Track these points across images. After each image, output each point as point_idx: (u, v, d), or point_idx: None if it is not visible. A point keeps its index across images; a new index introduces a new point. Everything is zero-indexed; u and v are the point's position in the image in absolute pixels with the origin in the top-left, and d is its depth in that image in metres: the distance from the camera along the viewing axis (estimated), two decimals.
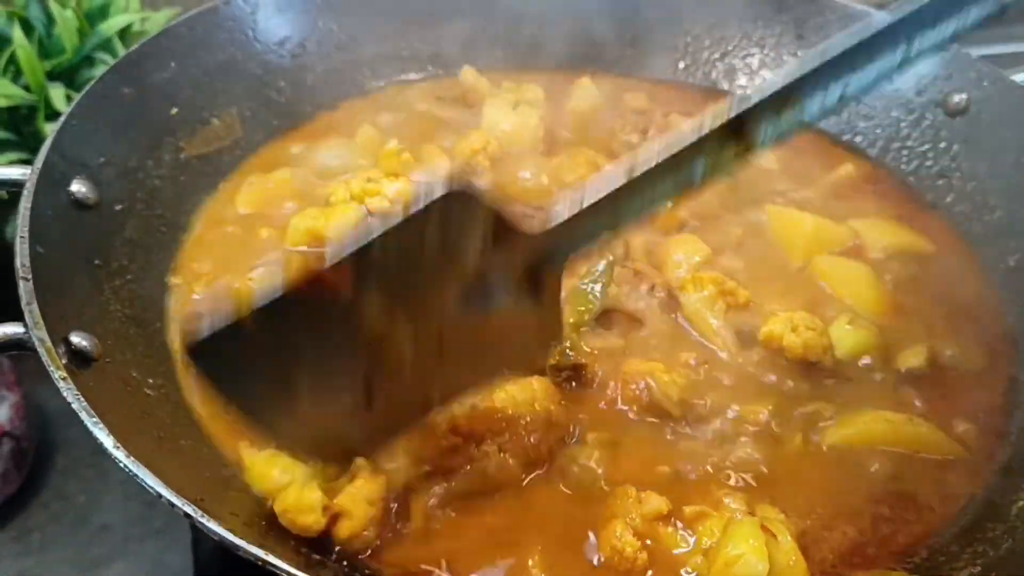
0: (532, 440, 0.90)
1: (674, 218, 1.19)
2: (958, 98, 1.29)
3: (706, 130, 0.75)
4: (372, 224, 0.73)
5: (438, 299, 0.78)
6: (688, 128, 0.75)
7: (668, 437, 0.94)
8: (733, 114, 0.75)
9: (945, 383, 1.03)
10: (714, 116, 0.76)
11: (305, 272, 0.72)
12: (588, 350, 1.01)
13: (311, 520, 0.80)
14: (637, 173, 0.76)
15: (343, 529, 0.81)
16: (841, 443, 0.95)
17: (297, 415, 0.79)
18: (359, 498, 0.82)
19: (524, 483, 0.89)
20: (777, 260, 1.17)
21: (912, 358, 1.04)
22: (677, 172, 0.76)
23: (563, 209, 0.77)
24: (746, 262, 1.15)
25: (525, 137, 1.32)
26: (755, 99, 0.76)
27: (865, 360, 1.04)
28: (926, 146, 1.33)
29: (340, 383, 0.78)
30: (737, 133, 0.76)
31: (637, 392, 0.96)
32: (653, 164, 0.76)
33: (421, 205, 0.72)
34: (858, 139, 1.39)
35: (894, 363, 1.04)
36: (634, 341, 1.03)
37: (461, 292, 0.78)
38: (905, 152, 1.35)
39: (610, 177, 0.76)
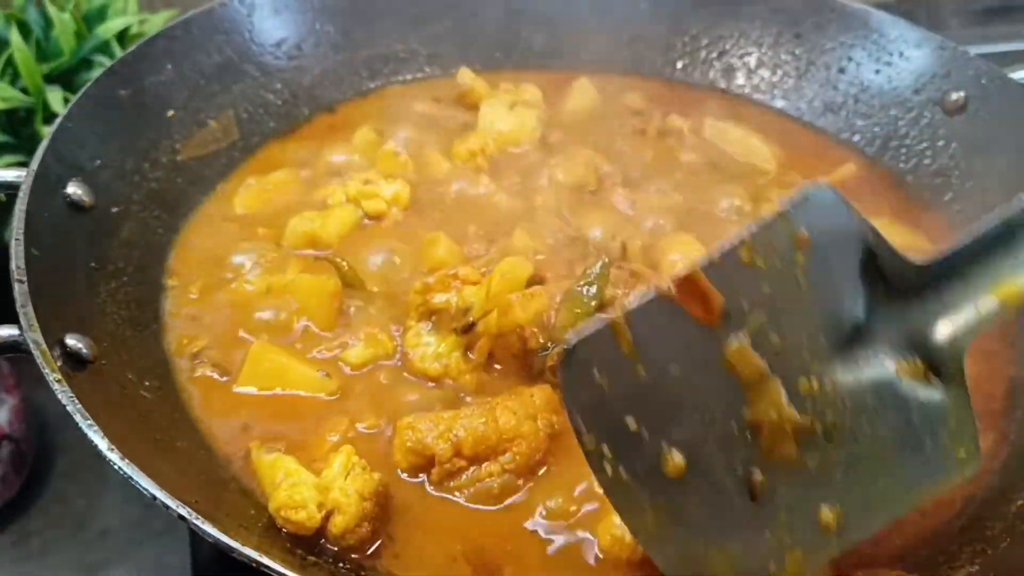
0: (537, 458, 0.90)
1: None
2: (956, 96, 1.29)
3: None
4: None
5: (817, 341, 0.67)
6: None
7: None
8: None
9: None
10: None
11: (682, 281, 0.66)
12: None
13: (304, 516, 0.79)
14: None
15: (336, 524, 0.81)
16: None
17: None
18: (351, 492, 0.82)
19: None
20: None
21: None
22: None
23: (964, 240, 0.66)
24: None
25: (522, 138, 1.32)
26: None
27: None
28: (924, 144, 1.32)
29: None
30: None
31: None
32: None
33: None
34: (856, 138, 1.39)
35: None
36: None
37: (843, 343, 0.67)
38: (903, 150, 1.34)
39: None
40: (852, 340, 0.68)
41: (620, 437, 0.70)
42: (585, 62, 1.49)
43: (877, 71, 1.39)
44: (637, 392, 0.69)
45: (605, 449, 0.71)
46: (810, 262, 0.67)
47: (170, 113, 1.22)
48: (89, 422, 0.73)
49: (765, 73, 1.48)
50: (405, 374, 0.99)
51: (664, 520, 0.71)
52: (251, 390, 0.97)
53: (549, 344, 0.97)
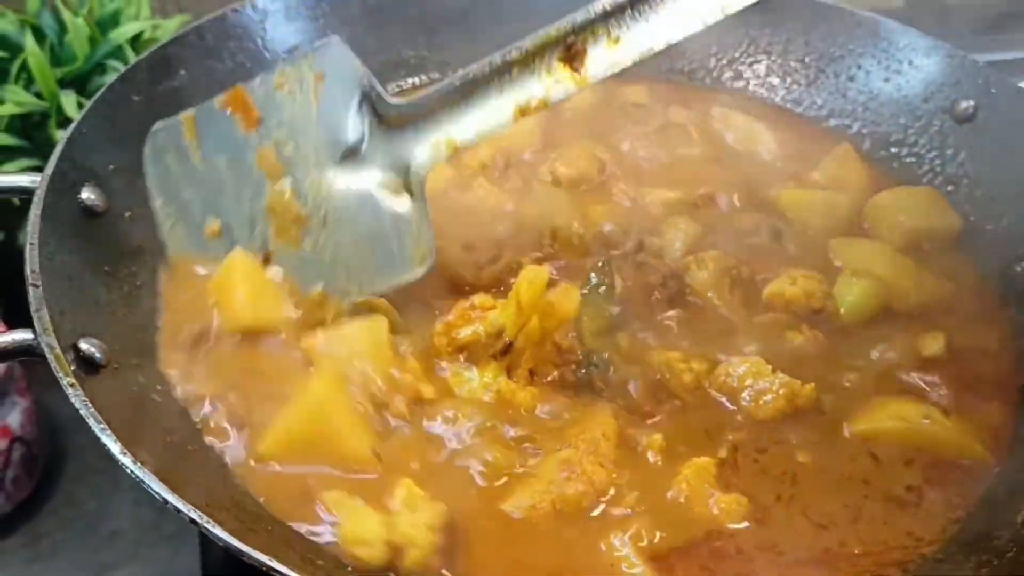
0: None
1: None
2: (965, 104, 1.29)
3: (539, 38, 0.89)
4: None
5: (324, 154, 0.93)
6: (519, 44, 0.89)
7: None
8: (561, 28, 0.88)
9: (952, 384, 1.03)
10: (547, 29, 0.89)
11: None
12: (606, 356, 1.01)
13: (369, 554, 0.78)
14: (472, 76, 0.89)
15: (409, 559, 0.79)
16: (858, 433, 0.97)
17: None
18: (420, 525, 0.80)
19: None
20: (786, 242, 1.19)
21: (932, 344, 1.05)
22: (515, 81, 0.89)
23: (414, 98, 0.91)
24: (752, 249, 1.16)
25: (522, 136, 1.32)
26: (581, 17, 0.88)
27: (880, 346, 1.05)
28: (933, 153, 1.32)
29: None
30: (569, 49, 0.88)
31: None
32: (486, 69, 0.89)
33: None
34: (866, 144, 1.39)
35: (911, 347, 1.05)
36: (653, 332, 1.05)
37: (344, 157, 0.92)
38: (912, 159, 1.34)
39: (448, 80, 0.90)
40: (350, 156, 0.93)
41: (180, 204, 0.99)
42: None
43: (886, 79, 1.38)
44: (193, 173, 0.97)
45: (171, 211, 1.00)
46: (321, 94, 0.93)
47: None
48: (102, 426, 0.73)
49: (774, 80, 1.48)
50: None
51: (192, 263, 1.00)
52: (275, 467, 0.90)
53: (592, 356, 0.98)
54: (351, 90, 0.92)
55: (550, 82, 0.89)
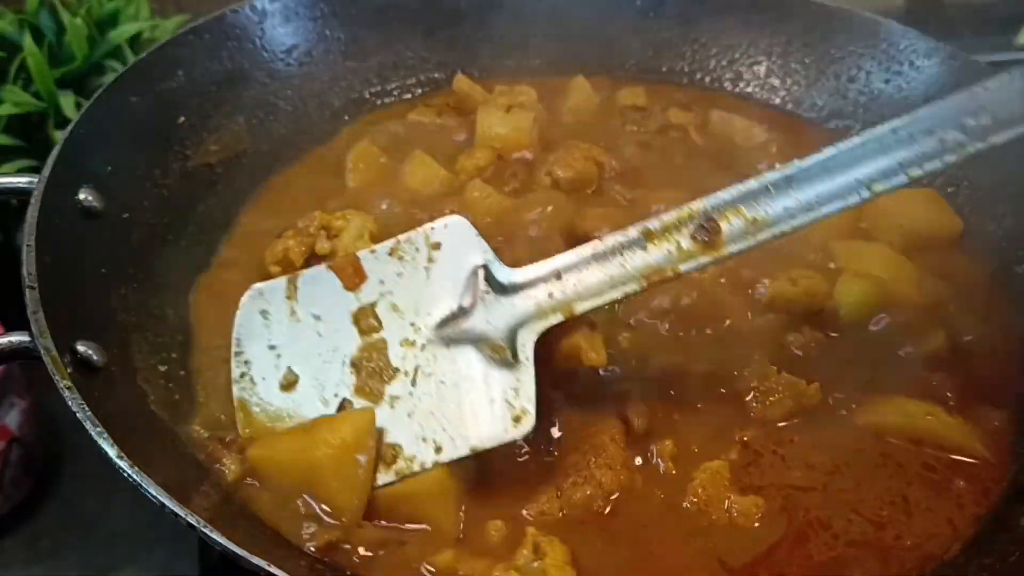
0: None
1: None
2: None
3: (671, 218, 0.87)
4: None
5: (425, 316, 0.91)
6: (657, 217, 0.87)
7: None
8: (699, 207, 0.87)
9: (953, 383, 1.02)
10: (679, 208, 0.87)
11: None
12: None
13: None
14: (603, 249, 0.87)
15: None
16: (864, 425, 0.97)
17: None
18: (561, 564, 0.82)
19: None
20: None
21: (933, 343, 1.05)
22: (645, 254, 0.87)
23: (537, 267, 0.89)
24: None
25: (520, 139, 1.32)
26: (720, 196, 0.87)
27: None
28: None
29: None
30: (704, 227, 0.86)
31: None
32: (619, 241, 0.87)
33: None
34: None
35: (912, 347, 1.05)
36: (656, 336, 1.05)
37: (447, 321, 0.90)
38: None
39: (579, 250, 0.88)
40: (453, 318, 0.90)
41: (259, 354, 0.94)
42: (592, 69, 1.49)
43: (887, 80, 1.38)
44: (283, 327, 0.94)
45: (247, 359, 0.95)
46: (435, 262, 0.92)
47: (181, 120, 1.22)
48: (99, 429, 0.73)
49: (774, 82, 1.47)
50: None
51: (264, 416, 0.93)
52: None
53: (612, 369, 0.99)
54: (467, 261, 0.90)
55: (681, 256, 0.86)
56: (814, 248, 1.16)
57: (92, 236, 1.01)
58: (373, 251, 0.94)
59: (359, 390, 0.91)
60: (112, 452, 0.72)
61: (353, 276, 0.93)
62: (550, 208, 1.21)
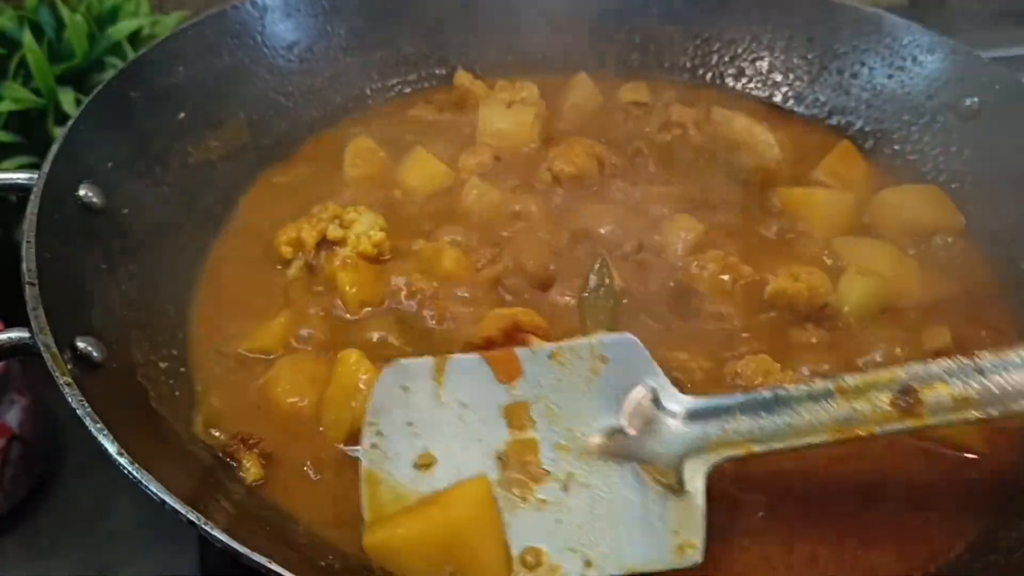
0: None
1: None
2: (970, 102, 1.28)
3: (869, 379, 0.81)
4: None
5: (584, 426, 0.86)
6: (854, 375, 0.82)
7: None
8: (901, 374, 0.81)
9: None
10: (878, 371, 0.83)
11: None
12: None
13: None
14: (788, 394, 0.82)
15: None
16: None
17: None
18: None
19: None
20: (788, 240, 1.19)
21: (937, 339, 1.04)
22: (837, 409, 0.81)
23: (713, 400, 0.85)
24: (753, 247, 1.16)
25: (521, 135, 1.32)
26: (926, 369, 0.81)
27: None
28: (937, 150, 1.31)
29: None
30: (905, 394, 0.81)
31: None
32: (807, 391, 0.82)
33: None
34: (869, 143, 1.38)
35: (916, 344, 1.05)
36: (657, 332, 1.04)
37: (607, 436, 0.86)
38: (916, 156, 1.33)
39: (763, 392, 0.83)
40: (618, 434, 0.85)
41: (395, 428, 0.87)
42: (594, 65, 1.49)
43: (890, 76, 1.38)
44: (426, 407, 0.87)
45: (380, 431, 0.87)
46: (600, 375, 0.87)
47: (181, 116, 1.21)
48: (99, 426, 0.73)
49: (777, 77, 1.47)
50: None
51: (392, 494, 0.85)
52: None
53: None
54: (634, 381, 0.86)
55: (877, 418, 0.81)
56: (817, 244, 1.16)
57: (92, 232, 1.01)
58: (533, 352, 0.90)
59: (503, 483, 0.85)
60: (112, 449, 0.72)
61: (509, 370, 0.89)
62: (551, 205, 1.21)
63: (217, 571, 1.06)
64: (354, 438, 0.90)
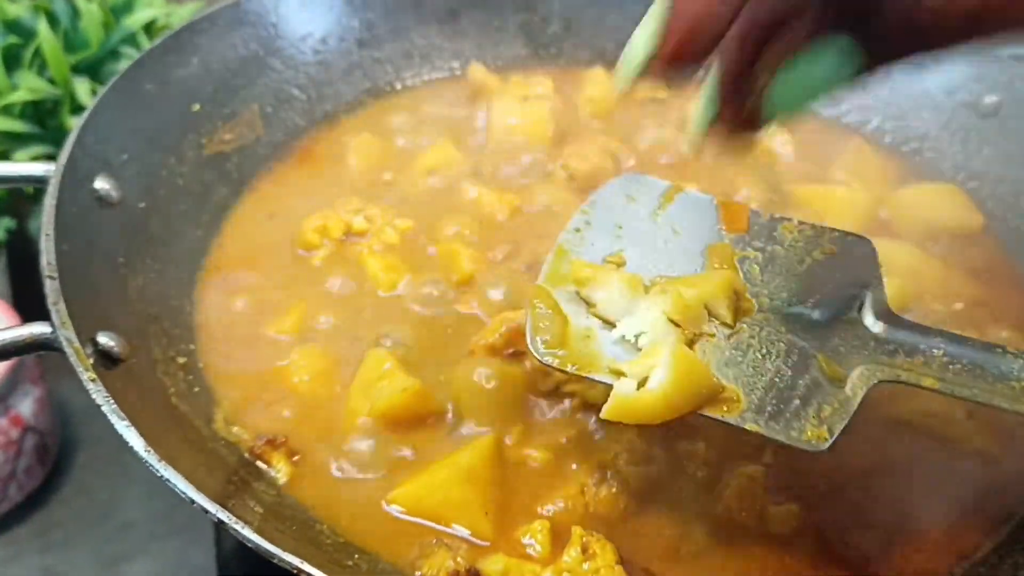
0: None
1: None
2: (989, 100, 1.28)
3: None
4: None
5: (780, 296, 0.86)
6: None
7: None
8: None
9: None
10: None
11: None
12: None
13: None
14: (997, 351, 0.79)
15: None
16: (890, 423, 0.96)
17: None
18: (611, 564, 0.80)
19: None
20: None
21: None
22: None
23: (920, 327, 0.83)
24: None
25: (535, 130, 1.31)
26: None
27: None
28: (956, 148, 1.31)
29: None
30: None
31: None
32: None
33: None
34: (887, 139, 1.37)
35: None
36: None
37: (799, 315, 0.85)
38: (934, 154, 1.33)
39: (972, 340, 0.81)
40: (803, 319, 0.85)
41: (602, 229, 0.91)
42: (610, 59, 1.48)
43: (908, 73, 1.37)
44: (638, 220, 0.91)
45: (587, 225, 0.92)
46: (820, 264, 0.88)
47: (195, 107, 1.21)
48: (125, 423, 0.72)
49: None
50: None
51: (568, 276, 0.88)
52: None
53: None
54: (855, 281, 0.86)
55: None
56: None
57: (109, 225, 1.01)
58: (771, 217, 0.92)
59: (679, 311, 0.84)
60: (139, 444, 0.71)
61: (736, 221, 0.91)
62: (566, 202, 1.20)
63: (233, 564, 1.06)
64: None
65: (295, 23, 1.35)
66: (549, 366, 0.82)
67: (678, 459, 0.91)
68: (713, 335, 0.84)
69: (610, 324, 0.85)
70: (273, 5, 1.32)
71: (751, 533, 0.86)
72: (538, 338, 0.83)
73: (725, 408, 0.79)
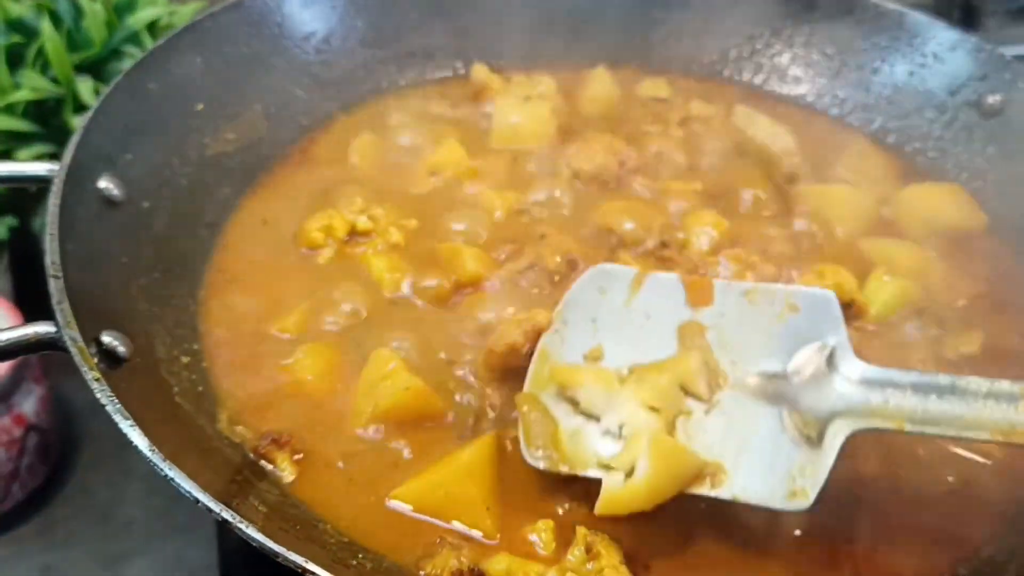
0: None
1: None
2: (993, 99, 1.27)
3: None
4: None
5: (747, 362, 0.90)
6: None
7: None
8: None
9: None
10: None
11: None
12: None
13: None
14: (966, 386, 0.81)
15: None
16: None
17: None
18: (617, 565, 0.81)
19: None
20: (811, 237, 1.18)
21: (967, 344, 1.04)
22: (1014, 413, 0.79)
23: (887, 372, 0.85)
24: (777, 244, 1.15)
25: (538, 129, 1.31)
26: None
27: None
28: (959, 147, 1.31)
29: None
30: None
31: None
32: (988, 388, 0.80)
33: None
34: (891, 139, 1.37)
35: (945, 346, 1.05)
36: None
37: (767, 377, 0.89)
38: (937, 154, 1.33)
39: (939, 377, 0.82)
40: (774, 376, 0.89)
41: (577, 323, 0.95)
42: (613, 59, 1.48)
43: (911, 73, 1.37)
44: (612, 310, 0.95)
45: (566, 322, 0.95)
46: (784, 321, 0.90)
47: (199, 107, 1.21)
48: (130, 422, 0.72)
49: (797, 73, 1.46)
50: None
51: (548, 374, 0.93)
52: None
53: None
54: (816, 334, 0.88)
55: None
56: (839, 241, 1.16)
57: (112, 225, 1.00)
58: (729, 285, 0.94)
59: (655, 395, 0.89)
60: (143, 444, 0.71)
61: (700, 296, 0.94)
62: (570, 202, 1.21)
63: (235, 562, 1.06)
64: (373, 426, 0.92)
65: (298, 22, 1.35)
66: (545, 470, 0.87)
67: None
68: (691, 412, 0.88)
69: (595, 418, 0.89)
70: (276, 4, 1.33)
71: (757, 535, 0.86)
72: (531, 447, 0.88)
73: (710, 482, 0.84)
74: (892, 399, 0.83)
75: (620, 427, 0.87)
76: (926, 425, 0.81)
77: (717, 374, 0.90)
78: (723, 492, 0.83)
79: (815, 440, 0.84)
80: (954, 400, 0.81)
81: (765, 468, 0.84)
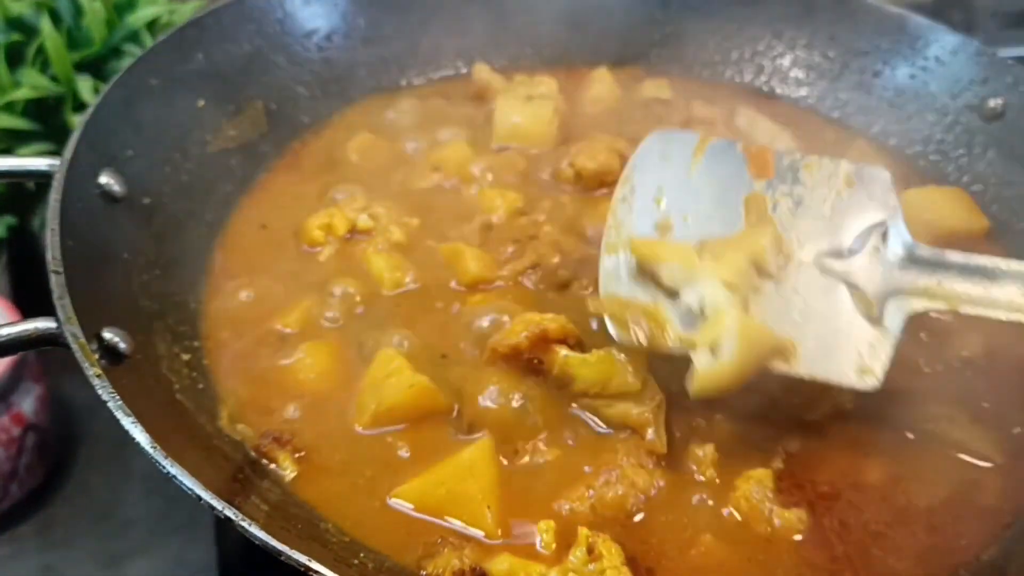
0: None
1: None
2: (994, 103, 1.28)
3: None
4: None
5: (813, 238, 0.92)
6: None
7: None
8: None
9: (987, 386, 1.01)
10: None
11: None
12: None
13: None
14: (1012, 268, 0.85)
15: None
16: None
17: None
18: (618, 565, 0.80)
19: None
20: None
21: (968, 347, 1.04)
22: None
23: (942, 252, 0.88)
24: None
25: (539, 129, 1.31)
26: None
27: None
28: (961, 151, 1.31)
29: None
30: None
31: None
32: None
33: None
34: (892, 142, 1.37)
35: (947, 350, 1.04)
36: None
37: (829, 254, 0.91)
38: (938, 157, 1.33)
39: (993, 260, 0.86)
40: (836, 254, 0.91)
41: (647, 191, 0.96)
42: (614, 59, 1.48)
43: (912, 76, 1.37)
44: (677, 177, 0.96)
45: (633, 191, 0.96)
46: (843, 197, 0.93)
47: (200, 104, 1.21)
48: (131, 419, 0.72)
49: (799, 75, 1.46)
50: None
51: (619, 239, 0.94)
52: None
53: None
54: (873, 212, 0.92)
55: None
56: None
57: (113, 221, 1.00)
58: (788, 155, 0.96)
59: (725, 266, 0.89)
60: (145, 441, 0.71)
61: (762, 167, 0.95)
62: (572, 201, 1.20)
63: (234, 562, 1.06)
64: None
65: (300, 20, 1.35)
66: (629, 343, 0.88)
67: (686, 462, 0.90)
68: (761, 289, 0.88)
69: (673, 294, 0.89)
70: (278, 1, 1.33)
71: (759, 536, 0.86)
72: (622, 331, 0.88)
73: (784, 360, 0.85)
74: (942, 279, 0.86)
75: (700, 304, 0.87)
76: (983, 308, 0.84)
77: (783, 250, 0.91)
78: (798, 369, 0.84)
79: (876, 320, 0.86)
80: (1000, 282, 0.85)
81: (833, 346, 0.85)
